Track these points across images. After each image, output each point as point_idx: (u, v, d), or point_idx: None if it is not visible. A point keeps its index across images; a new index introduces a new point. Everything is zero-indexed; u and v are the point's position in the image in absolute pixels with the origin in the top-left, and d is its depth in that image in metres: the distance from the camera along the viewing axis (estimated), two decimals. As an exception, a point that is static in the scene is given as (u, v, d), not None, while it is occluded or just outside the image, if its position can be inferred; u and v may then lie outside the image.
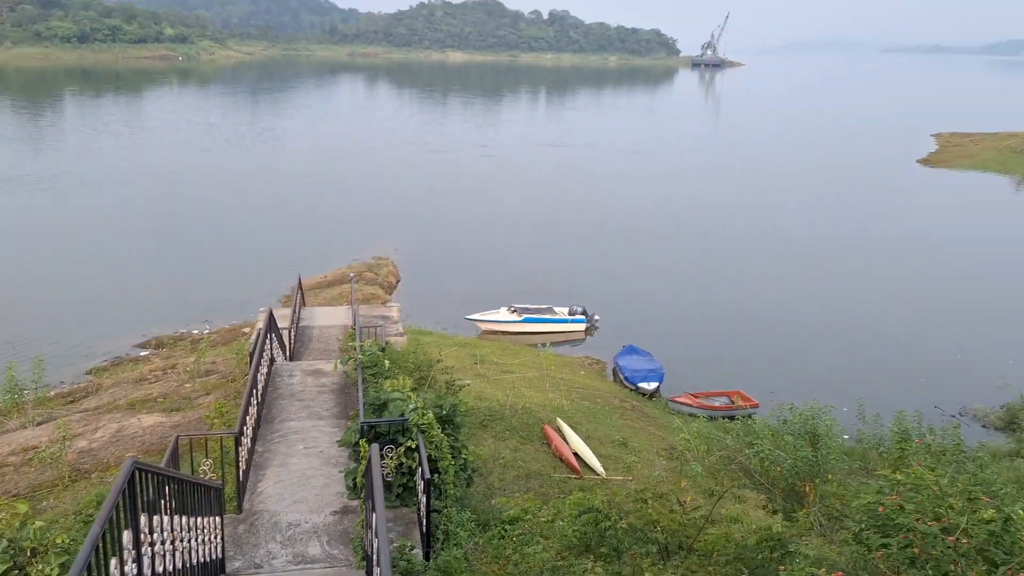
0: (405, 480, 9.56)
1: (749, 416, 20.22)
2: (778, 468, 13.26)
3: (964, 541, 4.98)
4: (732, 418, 21.43)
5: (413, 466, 9.43)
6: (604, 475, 15.87)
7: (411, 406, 9.89)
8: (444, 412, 10.50)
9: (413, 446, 9.41)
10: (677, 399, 23.92)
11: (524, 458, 16.05)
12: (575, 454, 16.48)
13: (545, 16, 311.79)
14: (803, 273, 37.26)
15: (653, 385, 24.65)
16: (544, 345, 25.37)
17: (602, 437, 18.20)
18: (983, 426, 22.59)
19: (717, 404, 23.67)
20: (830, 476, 12.47)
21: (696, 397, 24.06)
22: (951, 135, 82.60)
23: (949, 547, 4.87)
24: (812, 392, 20.14)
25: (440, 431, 9.76)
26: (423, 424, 9.60)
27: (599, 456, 16.64)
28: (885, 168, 65.97)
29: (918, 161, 70.25)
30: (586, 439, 17.52)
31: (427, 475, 8.61)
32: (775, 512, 10.92)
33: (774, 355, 27.76)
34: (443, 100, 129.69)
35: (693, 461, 15.14)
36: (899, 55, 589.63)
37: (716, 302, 33.04)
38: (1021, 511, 6.31)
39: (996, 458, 17.53)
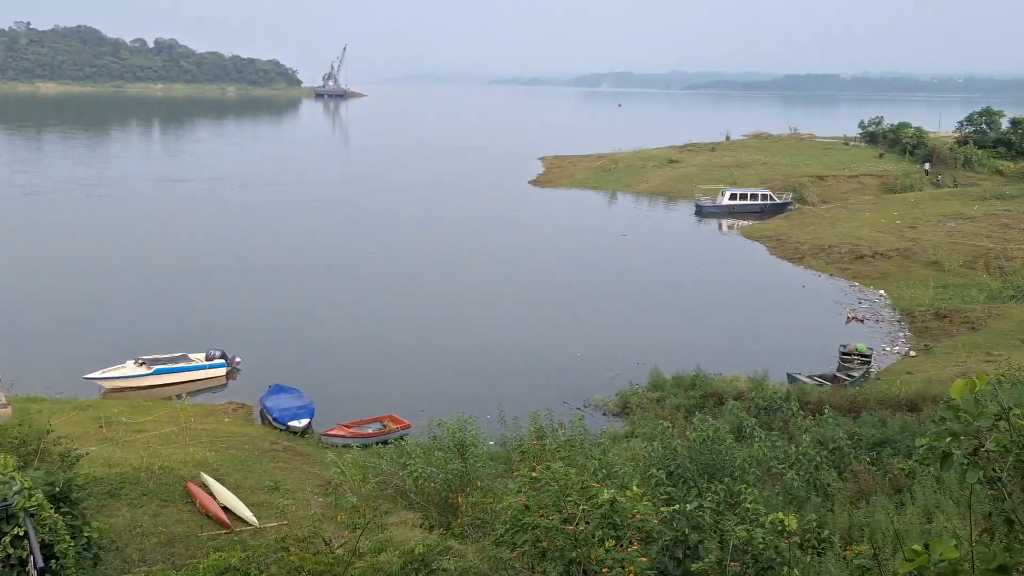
0: (17, 573, 8.15)
1: (401, 438, 20.63)
2: (431, 484, 13.64)
3: (582, 528, 5.54)
4: (386, 442, 21.67)
5: (24, 556, 8.08)
6: (258, 524, 15.07)
7: (15, 488, 8.46)
8: (58, 489, 9.17)
9: (21, 533, 8.06)
10: (330, 432, 23.57)
11: (167, 522, 14.68)
12: (224, 508, 15.44)
13: (151, 45, 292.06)
14: (437, 292, 38.99)
15: (304, 422, 24.03)
16: (181, 396, 23.48)
17: (253, 485, 17.29)
18: (603, 414, 25.44)
19: (370, 431, 23.77)
20: (479, 483, 13.10)
21: (349, 427, 23.94)
22: (554, 158, 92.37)
23: (570, 536, 5.39)
24: (459, 406, 21.08)
25: (54, 511, 8.49)
26: (31, 507, 8.27)
27: (251, 505, 15.77)
28: (503, 189, 71.95)
29: (529, 182, 77.62)
30: (235, 489, 16.51)
31: (39, 564, 7.41)
32: (431, 528, 11.20)
33: (420, 374, 28.65)
34: (38, 136, 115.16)
35: (349, 493, 14.99)
36: (503, 86, 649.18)
37: (360, 331, 33.29)
38: (634, 489, 7.15)
39: (616, 441, 19.85)
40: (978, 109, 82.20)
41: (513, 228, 55.39)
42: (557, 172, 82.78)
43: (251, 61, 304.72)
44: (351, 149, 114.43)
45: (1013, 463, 3.61)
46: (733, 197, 62.44)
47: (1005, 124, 79.34)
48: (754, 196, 62.66)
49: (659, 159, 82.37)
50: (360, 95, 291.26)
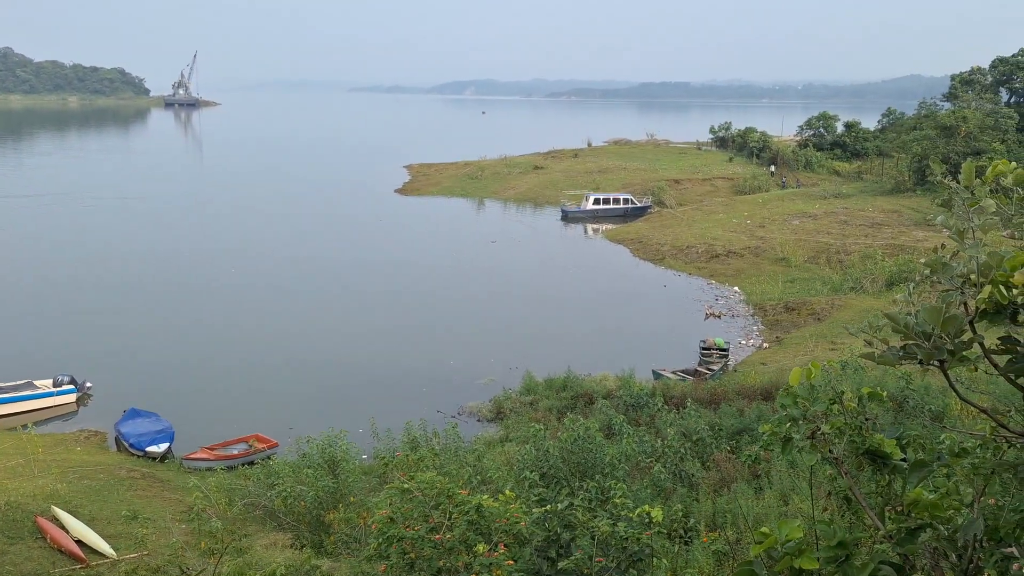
0: None
1: (269, 458, 19.97)
2: (301, 503, 13.27)
3: (448, 536, 5.54)
4: (252, 463, 20.92)
5: None
6: (116, 556, 14.22)
7: None
8: None
9: None
10: (192, 456, 22.55)
11: (15, 560, 13.66)
12: (78, 541, 14.48)
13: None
14: (301, 305, 38.05)
15: (163, 447, 22.87)
16: (27, 426, 21.86)
17: (110, 515, 16.29)
18: (478, 420, 25.54)
19: (235, 452, 22.90)
20: (351, 499, 12.85)
21: (212, 449, 22.97)
22: (420, 166, 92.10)
23: (436, 545, 5.37)
24: (329, 421, 20.61)
25: None
26: None
27: (108, 537, 14.86)
28: (368, 198, 71.06)
29: (395, 191, 77.01)
30: (90, 521, 15.53)
31: None
32: (303, 548, 10.89)
33: (287, 391, 27.85)
34: None
35: (213, 517, 14.37)
36: (364, 94, 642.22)
37: (221, 348, 32.03)
38: (506, 492, 7.20)
39: (490, 446, 19.95)
40: (815, 114, 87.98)
41: (379, 237, 54.81)
42: (423, 180, 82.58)
43: (94, 69, 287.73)
44: (205, 160, 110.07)
45: (847, 443, 3.86)
46: (597, 202, 64.15)
47: (840, 127, 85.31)
48: (616, 200, 64.61)
49: (524, 165, 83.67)
50: (213, 104, 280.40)
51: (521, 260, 49.54)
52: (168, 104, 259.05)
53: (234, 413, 25.76)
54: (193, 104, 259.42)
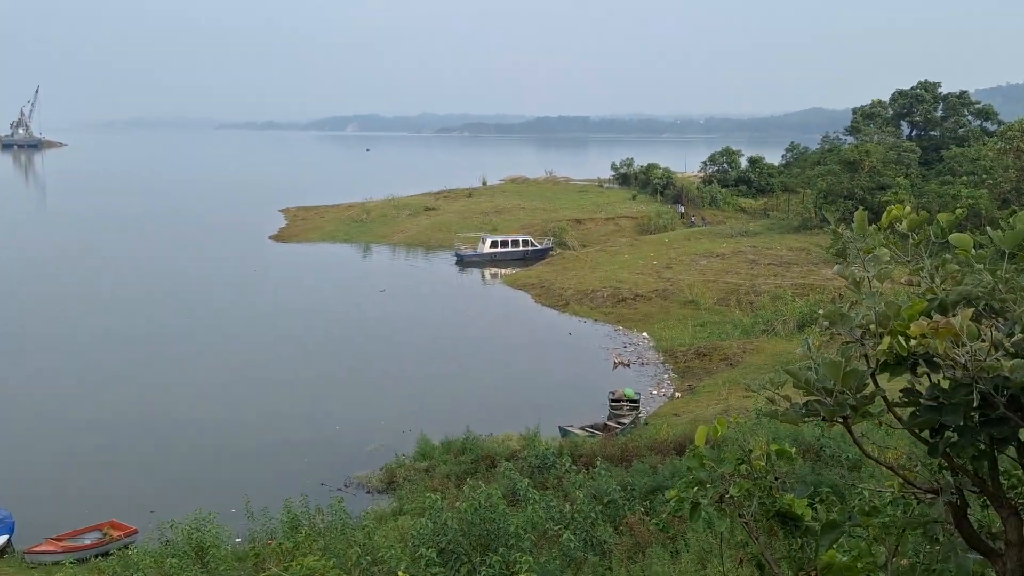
0: None
1: (126, 547, 18.98)
2: (164, 599, 12.64)
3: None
4: (107, 553, 19.82)
5: None
6: None
7: None
8: None
9: None
10: (36, 549, 21.22)
11: None
12: None
13: None
14: (165, 371, 36.69)
15: (1, 540, 21.46)
16: None
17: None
18: (367, 492, 25.01)
19: (87, 542, 21.68)
20: (223, 590, 12.33)
21: (60, 540, 21.68)
22: (298, 209, 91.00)
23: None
24: (197, 501, 19.81)
25: None
26: None
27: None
28: (239, 246, 69.53)
29: (271, 237, 75.72)
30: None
31: None
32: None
33: (147, 469, 26.63)
34: None
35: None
36: (234, 131, 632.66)
37: (64, 421, 30.40)
38: (400, 574, 7.05)
39: (382, 521, 19.54)
40: (719, 149, 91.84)
41: (253, 291, 53.59)
42: (302, 225, 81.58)
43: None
44: (49, 209, 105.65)
45: (756, 505, 3.98)
46: (494, 244, 64.76)
47: (744, 163, 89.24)
48: (515, 243, 65.38)
49: (414, 207, 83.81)
50: (58, 144, 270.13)
51: (413, 310, 49.30)
52: (6, 145, 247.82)
53: (85, 497, 24.41)
54: (35, 145, 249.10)
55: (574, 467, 20.28)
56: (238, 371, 36.73)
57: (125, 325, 43.91)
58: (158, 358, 38.40)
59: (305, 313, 47.64)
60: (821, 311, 3.45)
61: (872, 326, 3.25)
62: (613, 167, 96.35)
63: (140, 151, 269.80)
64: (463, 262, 64.03)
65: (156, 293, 51.77)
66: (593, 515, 15.77)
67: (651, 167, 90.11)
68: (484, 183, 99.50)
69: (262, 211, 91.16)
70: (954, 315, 3.04)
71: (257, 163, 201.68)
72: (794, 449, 4.31)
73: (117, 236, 74.51)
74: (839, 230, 3.59)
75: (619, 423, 29.42)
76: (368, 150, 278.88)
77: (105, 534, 22.10)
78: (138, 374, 35.92)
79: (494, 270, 61.92)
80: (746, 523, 4.01)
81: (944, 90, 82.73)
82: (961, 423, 3.10)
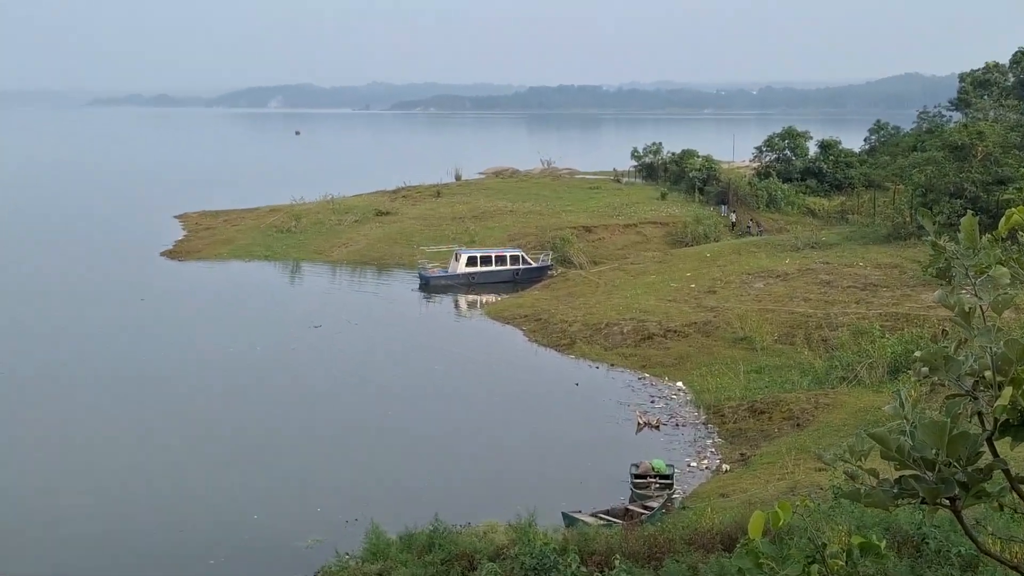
0: None
1: None
2: None
3: None
4: None
5: None
6: None
7: None
8: None
9: None
10: None
11: None
12: None
13: None
14: (16, 444, 36.47)
15: None
16: None
17: None
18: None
19: None
20: None
21: None
22: (201, 215, 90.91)
23: None
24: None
25: None
26: None
27: None
28: (122, 268, 69.28)
29: (163, 254, 75.54)
30: None
31: None
32: None
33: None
34: None
35: None
36: (113, 107, 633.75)
37: None
38: None
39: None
40: (779, 130, 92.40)
41: (140, 329, 53.34)
42: (207, 236, 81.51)
43: None
44: None
45: (833, 621, 3.96)
46: (472, 262, 64.78)
47: (813, 149, 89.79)
48: (501, 259, 65.44)
49: (363, 211, 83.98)
50: None
51: (360, 353, 49.18)
52: None
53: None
54: None
55: (584, 569, 20.20)
56: (118, 446, 36.43)
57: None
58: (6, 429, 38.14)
59: (208, 362, 47.42)
60: (918, 353, 3.46)
61: (987, 373, 3.27)
62: (635, 155, 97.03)
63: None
64: (430, 286, 64.01)
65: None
66: (610, 635, 15.73)
67: (686, 155, 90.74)
68: (458, 178, 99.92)
69: (151, 218, 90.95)
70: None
71: (145, 151, 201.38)
72: (884, 542, 4.31)
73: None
74: (941, 241, 3.61)
75: (645, 507, 29.32)
76: (298, 133, 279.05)
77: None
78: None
79: (472, 297, 61.93)
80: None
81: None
82: (1111, 505, 3.11)
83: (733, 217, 77.15)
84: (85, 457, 34.82)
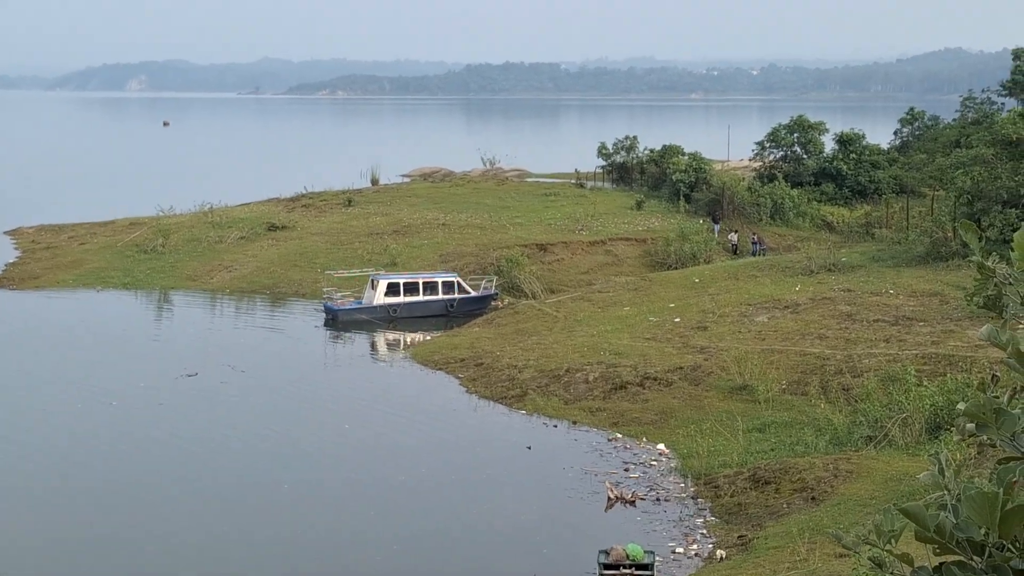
0: None
1: None
2: None
3: None
4: None
5: None
6: None
7: None
8: None
9: None
10: None
11: None
12: None
13: None
14: None
15: None
16: None
17: None
18: None
19: None
20: None
21: None
22: (39, 230, 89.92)
23: None
24: None
25: None
26: None
27: None
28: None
29: (-10, 281, 74.82)
30: None
31: None
32: None
33: None
34: None
35: None
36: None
37: None
38: None
39: None
40: (787, 120, 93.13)
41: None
42: (47, 258, 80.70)
43: None
44: None
45: None
46: (394, 290, 64.70)
47: (829, 144, 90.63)
48: (431, 287, 65.44)
49: (250, 224, 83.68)
50: None
51: (246, 410, 48.87)
52: None
53: None
54: None
55: None
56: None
57: None
58: None
59: (50, 418, 46.96)
60: (962, 405, 3.51)
61: (1049, 431, 3.32)
62: (602, 152, 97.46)
63: None
64: (338, 321, 63.82)
65: None
66: None
67: (668, 152, 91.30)
68: (375, 182, 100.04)
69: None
70: None
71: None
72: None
73: None
74: (989, 263, 3.66)
75: (618, 606, 29.40)
76: (167, 124, 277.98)
77: None
78: None
79: (394, 335, 61.85)
80: None
81: None
82: None
83: (734, 238, 77.10)
84: None
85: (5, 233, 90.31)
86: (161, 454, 43.18)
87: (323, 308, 65.33)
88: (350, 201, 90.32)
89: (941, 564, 3.41)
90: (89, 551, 34.34)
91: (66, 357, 56.94)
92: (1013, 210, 57.50)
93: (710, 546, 34.87)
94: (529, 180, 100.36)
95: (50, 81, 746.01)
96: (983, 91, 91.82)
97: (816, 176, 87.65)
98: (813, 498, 36.59)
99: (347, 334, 62.61)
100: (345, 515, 37.48)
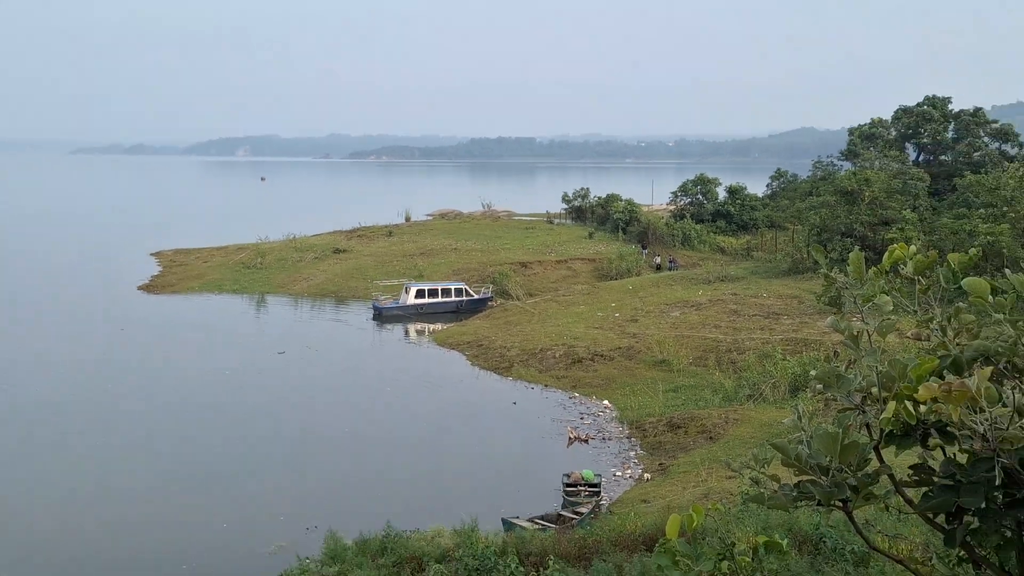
0: None
1: None
2: None
3: None
4: None
5: None
6: None
7: None
8: None
9: None
10: None
11: None
12: None
13: None
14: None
15: None
16: None
17: None
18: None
19: None
20: None
21: None
22: (175, 253, 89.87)
23: None
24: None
25: None
26: None
27: None
28: (100, 301, 68.26)
29: (140, 288, 74.50)
30: None
31: None
32: None
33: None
34: None
35: None
36: (94, 156, 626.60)
37: None
38: None
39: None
40: (692, 177, 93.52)
41: (117, 355, 52.53)
42: (180, 272, 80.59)
43: None
44: None
45: (741, 611, 3.98)
46: (421, 294, 64.69)
47: (722, 193, 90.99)
48: (447, 292, 65.43)
49: (321, 249, 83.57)
50: None
51: (320, 377, 48.80)
52: None
53: None
54: None
55: (521, 568, 20.13)
56: (97, 464, 35.73)
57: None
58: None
59: (181, 385, 46.78)
60: (814, 372, 3.50)
61: (874, 389, 3.31)
62: (565, 199, 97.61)
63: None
64: (382, 316, 63.74)
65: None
66: (545, 629, 15.65)
67: (611, 199, 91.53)
68: (408, 219, 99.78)
69: (129, 255, 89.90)
70: (970, 375, 3.10)
71: (123, 195, 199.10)
72: (787, 541, 4.34)
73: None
74: (832, 274, 3.66)
75: (576, 513, 29.28)
76: (263, 179, 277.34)
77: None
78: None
79: (421, 325, 61.70)
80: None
81: (956, 107, 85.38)
82: (982, 505, 3.14)
83: (658, 260, 77.32)
84: (78, 462, 34.12)
85: (151, 254, 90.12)
86: (260, 405, 43.10)
87: (372, 307, 65.24)
88: (390, 233, 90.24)
89: (799, 482, 3.40)
90: (232, 461, 34.34)
91: (193, 340, 56.81)
92: (848, 239, 57.73)
93: (639, 471, 34.86)
94: (514, 218, 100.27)
95: (182, 149, 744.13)
96: (827, 157, 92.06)
97: (713, 215, 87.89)
98: (710, 438, 36.59)
99: (388, 325, 62.50)
100: (389, 449, 37.39)
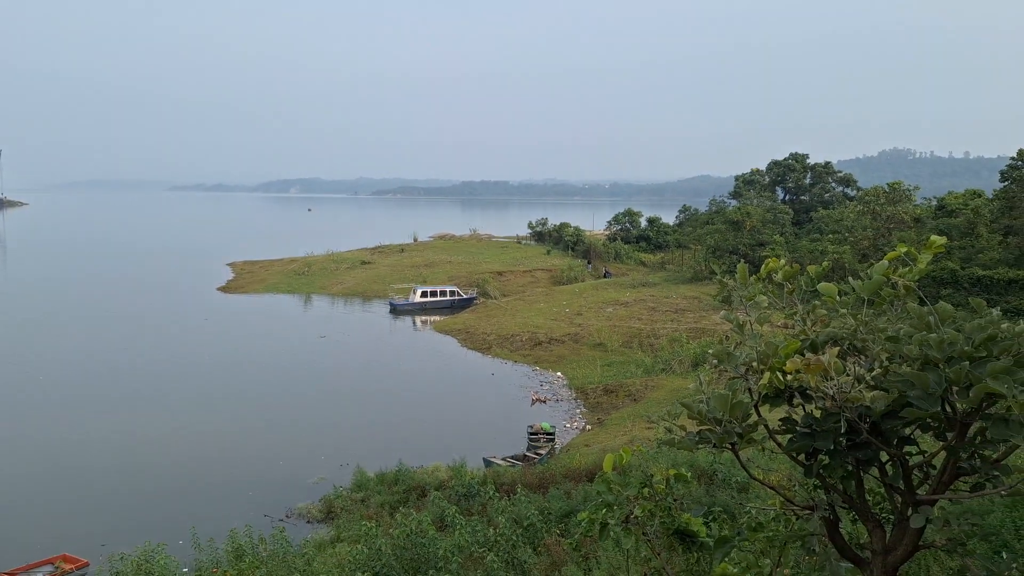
0: None
1: (77, 580, 17.95)
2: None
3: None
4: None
5: None
6: None
7: None
8: None
9: None
10: (-16, 586, 19.87)
11: None
12: None
13: None
14: (114, 408, 35.19)
15: (-50, 578, 20.05)
16: None
17: None
18: (308, 522, 24.22)
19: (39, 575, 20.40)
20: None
21: (12, 575, 20.36)
22: (244, 263, 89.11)
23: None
24: (146, 534, 18.95)
25: None
26: None
27: None
28: (189, 297, 67.67)
29: (218, 289, 73.84)
30: None
31: None
32: None
33: (98, 503, 25.33)
34: None
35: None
36: (186, 192, 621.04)
37: (16, 458, 28.81)
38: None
39: (321, 548, 18.95)
40: (622, 210, 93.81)
41: (202, 336, 52.05)
42: (248, 277, 79.88)
43: None
44: (10, 264, 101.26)
45: (658, 524, 3.99)
46: (424, 294, 64.44)
47: (644, 223, 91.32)
48: (443, 292, 65.20)
49: (352, 261, 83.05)
50: (20, 204, 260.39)
51: (350, 354, 48.54)
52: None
53: (36, 531, 23.05)
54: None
55: (497, 494, 20.10)
56: (186, 413, 35.38)
57: (79, 370, 42.12)
58: (110, 401, 36.80)
59: (250, 359, 46.40)
60: (711, 351, 3.52)
61: (754, 363, 3.34)
62: (530, 226, 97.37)
63: (97, 210, 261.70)
64: (396, 310, 63.45)
65: (112, 340, 49.84)
66: (514, 538, 15.59)
67: (563, 226, 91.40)
68: (415, 240, 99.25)
69: (211, 265, 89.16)
70: (823, 353, 3.14)
71: (207, 221, 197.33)
72: (690, 473, 4.36)
73: (74, 290, 71.72)
74: (725, 280, 3.69)
75: (537, 454, 29.30)
76: (310, 210, 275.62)
77: (57, 567, 20.84)
78: (91, 416, 34.32)
79: (424, 317, 61.50)
80: (649, 540, 4.02)
81: (812, 160, 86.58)
82: (831, 447, 3.18)
83: (603, 269, 77.35)
84: (171, 426, 33.78)
85: (227, 264, 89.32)
86: (307, 373, 42.80)
87: (389, 303, 64.96)
88: (402, 250, 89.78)
89: (700, 430, 3.41)
90: (287, 412, 34.13)
91: (258, 326, 56.38)
92: (735, 255, 57.98)
93: (583, 424, 34.90)
94: (493, 239, 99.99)
95: (250, 187, 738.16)
96: (720, 197, 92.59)
97: (637, 238, 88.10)
98: (635, 400, 36.68)
99: (400, 317, 62.24)
100: (401, 405, 37.23)
